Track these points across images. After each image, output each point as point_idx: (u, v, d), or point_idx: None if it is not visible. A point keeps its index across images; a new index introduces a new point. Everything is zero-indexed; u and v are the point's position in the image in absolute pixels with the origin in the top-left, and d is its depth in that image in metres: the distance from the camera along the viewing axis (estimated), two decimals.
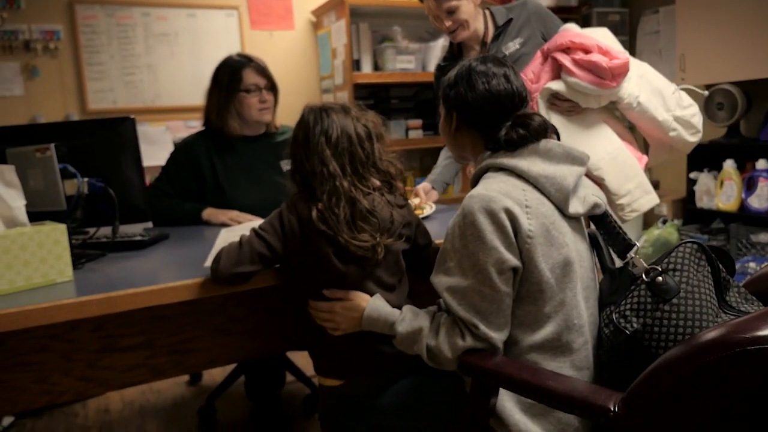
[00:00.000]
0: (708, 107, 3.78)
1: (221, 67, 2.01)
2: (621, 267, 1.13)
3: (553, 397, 0.93)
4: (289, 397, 2.31)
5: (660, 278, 1.03)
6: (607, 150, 1.71)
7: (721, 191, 3.70)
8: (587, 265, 1.14)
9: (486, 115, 1.18)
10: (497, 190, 1.08)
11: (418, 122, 3.69)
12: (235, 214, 1.91)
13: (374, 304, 1.21)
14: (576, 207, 1.12)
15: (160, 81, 3.37)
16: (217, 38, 3.49)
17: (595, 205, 1.15)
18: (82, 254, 1.41)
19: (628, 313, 1.05)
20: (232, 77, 1.96)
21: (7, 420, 2.10)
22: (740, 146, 3.65)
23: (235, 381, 2.25)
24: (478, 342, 1.07)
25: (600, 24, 4.30)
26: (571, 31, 1.78)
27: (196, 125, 3.44)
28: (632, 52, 4.42)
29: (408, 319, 1.17)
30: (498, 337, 1.07)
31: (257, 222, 1.61)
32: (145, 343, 1.37)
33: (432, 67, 3.63)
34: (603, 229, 1.16)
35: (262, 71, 2.02)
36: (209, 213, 1.93)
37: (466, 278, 1.07)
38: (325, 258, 1.21)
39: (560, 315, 1.09)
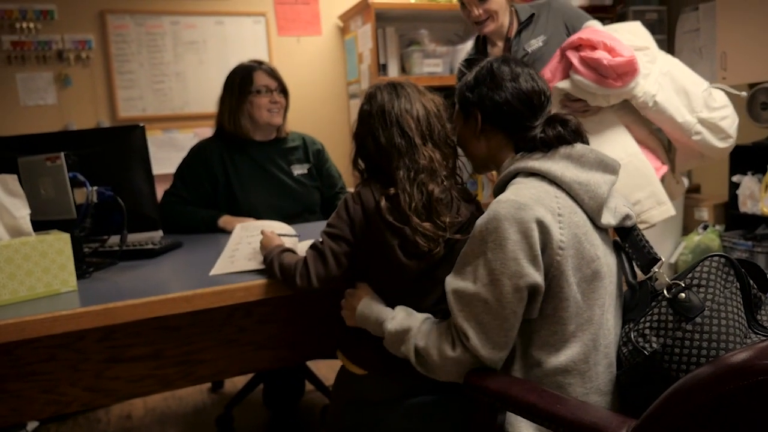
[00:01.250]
0: (751, 107, 3.60)
1: (232, 73, 2.05)
2: (642, 281, 1.05)
3: (560, 423, 0.87)
4: (307, 407, 2.28)
5: (683, 294, 0.95)
6: (619, 156, 1.61)
7: (766, 195, 3.51)
8: (616, 280, 1.07)
9: (515, 115, 1.12)
10: (528, 196, 1.01)
11: None
12: (251, 222, 1.90)
13: (367, 301, 1.17)
14: (608, 218, 1.05)
15: (188, 88, 3.41)
16: (245, 45, 3.50)
17: (626, 217, 1.08)
18: (91, 263, 1.41)
19: (647, 332, 0.97)
20: (243, 80, 1.99)
21: (32, 425, 2.14)
22: None
23: (253, 389, 2.23)
24: (466, 354, 1.00)
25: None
26: (591, 27, 1.70)
27: None
28: (671, 51, 4.26)
29: (399, 318, 1.12)
30: (488, 355, 1.00)
31: (275, 225, 1.60)
32: (153, 353, 1.35)
33: None
34: (629, 242, 1.08)
35: (273, 73, 2.05)
36: (225, 220, 1.93)
37: (476, 285, 1.01)
38: (389, 249, 1.17)
39: (587, 334, 1.01)
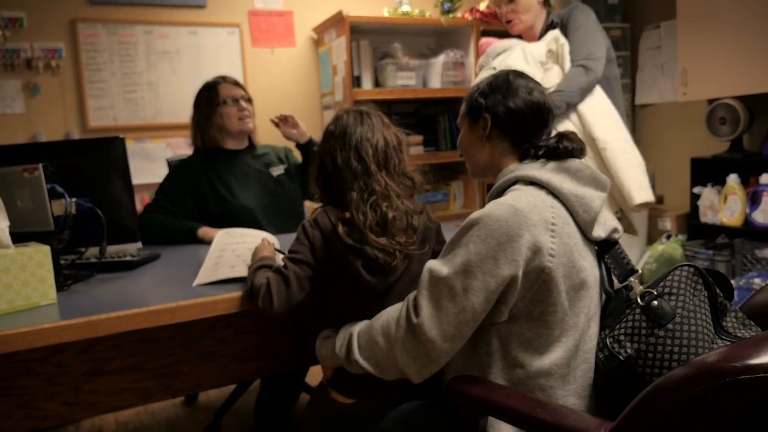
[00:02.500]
0: (710, 122, 3.75)
1: (199, 91, 2.14)
2: (618, 289, 1.10)
3: (541, 426, 0.90)
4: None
5: (655, 302, 1.00)
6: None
7: (725, 206, 3.66)
8: (599, 290, 1.12)
9: (525, 124, 1.16)
10: (526, 203, 1.04)
11: (419, 138, 3.68)
12: (235, 229, 1.92)
13: (320, 341, 1.27)
14: (599, 231, 1.10)
15: (161, 98, 3.39)
16: (219, 56, 3.50)
17: (614, 230, 1.13)
18: (69, 275, 1.39)
19: (622, 338, 1.02)
20: (209, 94, 2.08)
21: None
22: (743, 161, 3.61)
23: (239, 398, 2.22)
24: (409, 331, 1.04)
25: None
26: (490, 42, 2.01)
27: None
28: (634, 67, 4.43)
29: (341, 333, 1.21)
30: (432, 336, 1.01)
31: (254, 233, 1.61)
32: (133, 366, 1.34)
33: (432, 84, 3.63)
34: (610, 254, 1.13)
35: (237, 84, 2.14)
36: (204, 231, 1.95)
37: (449, 270, 1.03)
38: (354, 270, 1.21)
39: (570, 339, 1.05)
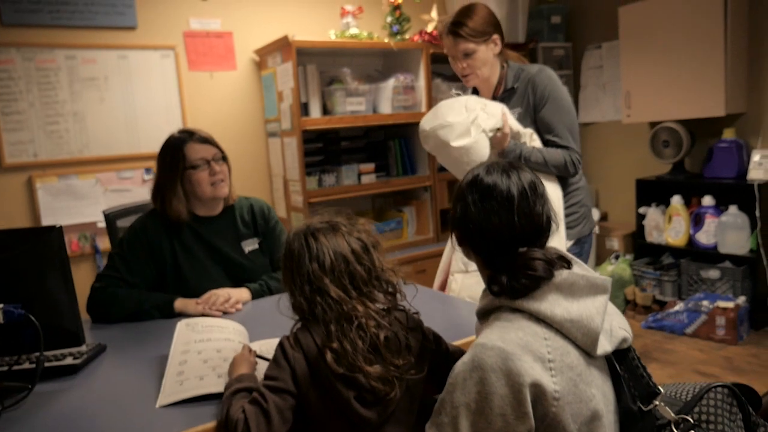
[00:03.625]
0: (654, 144, 3.84)
1: (162, 148, 1.82)
2: (646, 410, 1.00)
3: None
4: None
5: None
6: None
7: (669, 226, 3.75)
8: (613, 408, 1.02)
9: (483, 247, 1.05)
10: (516, 342, 0.93)
11: (371, 166, 3.54)
12: (206, 302, 1.72)
13: None
14: (604, 346, 0.99)
15: (88, 129, 3.07)
16: (152, 81, 3.22)
17: (623, 340, 1.03)
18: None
19: None
20: (174, 156, 1.77)
21: None
22: (686, 182, 3.72)
23: None
24: None
25: (546, 58, 4.32)
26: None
27: (131, 175, 3.18)
28: (576, 86, 4.48)
29: None
30: None
31: (220, 324, 1.42)
32: None
33: (382, 109, 3.50)
34: (625, 367, 1.03)
35: (207, 141, 1.82)
36: (183, 303, 1.71)
37: None
38: (345, 404, 1.05)
39: None
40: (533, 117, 1.98)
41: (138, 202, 2.29)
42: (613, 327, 1.03)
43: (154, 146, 3.19)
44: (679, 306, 3.46)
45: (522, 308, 0.98)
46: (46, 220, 2.97)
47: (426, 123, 1.87)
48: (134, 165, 3.19)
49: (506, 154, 1.90)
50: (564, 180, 2.01)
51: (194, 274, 1.79)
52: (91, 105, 3.08)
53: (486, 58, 1.97)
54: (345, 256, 1.12)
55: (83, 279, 2.78)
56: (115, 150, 3.15)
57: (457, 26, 1.93)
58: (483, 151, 1.82)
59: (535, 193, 1.06)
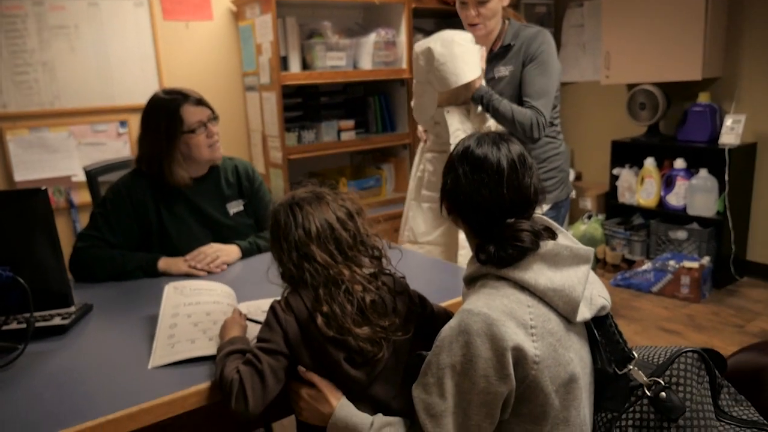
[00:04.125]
0: (630, 106, 3.88)
1: (152, 110, 1.74)
2: (621, 373, 1.06)
3: None
4: None
5: (663, 394, 0.98)
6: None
7: (642, 188, 3.85)
8: (589, 371, 1.08)
9: (472, 218, 1.08)
10: (501, 309, 0.97)
11: (350, 123, 3.52)
12: (194, 259, 1.72)
13: (342, 412, 1.09)
14: (584, 313, 1.03)
15: (58, 80, 2.97)
16: (125, 31, 3.11)
17: (602, 308, 1.07)
18: None
19: (630, 430, 1.00)
20: (170, 121, 1.70)
21: None
22: (660, 145, 3.79)
23: None
24: None
25: (527, 14, 4.28)
26: None
27: (105, 128, 3.10)
28: (558, 44, 4.46)
29: (377, 425, 1.06)
30: None
31: (208, 287, 1.44)
32: None
33: (363, 64, 3.45)
34: (602, 333, 1.08)
35: (201, 102, 1.77)
36: (166, 263, 1.71)
37: (445, 400, 0.99)
38: (335, 365, 1.09)
39: (562, 430, 1.02)
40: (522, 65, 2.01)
41: (120, 158, 2.25)
42: (593, 295, 1.07)
43: (129, 98, 3.14)
44: (647, 265, 3.59)
45: (507, 277, 1.02)
46: (19, 174, 2.90)
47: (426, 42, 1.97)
48: (108, 118, 3.10)
49: (475, 97, 1.97)
50: (545, 146, 2.04)
51: (179, 235, 1.78)
52: (61, 55, 2.96)
53: (496, 9, 1.99)
54: (330, 223, 1.14)
55: (60, 235, 2.74)
56: (87, 102, 3.06)
57: None
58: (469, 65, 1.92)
59: (524, 165, 1.08)
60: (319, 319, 1.07)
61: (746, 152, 3.48)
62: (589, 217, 4.05)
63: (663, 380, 1.01)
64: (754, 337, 2.90)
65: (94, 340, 1.34)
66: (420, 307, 1.25)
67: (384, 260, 1.21)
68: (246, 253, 1.84)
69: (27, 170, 2.93)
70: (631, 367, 1.04)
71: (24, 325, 1.28)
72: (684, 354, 1.02)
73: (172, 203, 1.78)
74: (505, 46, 2.02)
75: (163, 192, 1.77)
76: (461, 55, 1.88)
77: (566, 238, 1.10)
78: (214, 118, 1.79)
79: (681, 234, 3.61)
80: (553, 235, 1.07)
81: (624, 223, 3.93)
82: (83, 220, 3.05)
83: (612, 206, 4.03)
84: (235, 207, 1.89)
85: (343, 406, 1.08)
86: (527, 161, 1.09)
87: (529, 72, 1.97)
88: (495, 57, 2.05)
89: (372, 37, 3.43)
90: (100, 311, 1.50)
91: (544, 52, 1.97)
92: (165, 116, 1.70)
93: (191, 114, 1.72)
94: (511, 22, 2.06)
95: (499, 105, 1.93)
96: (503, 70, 2.03)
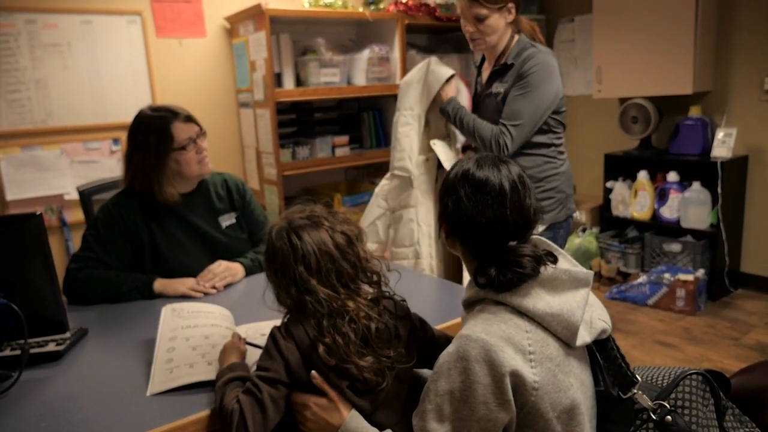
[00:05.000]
0: (623, 120, 3.91)
1: (140, 127, 1.72)
2: (625, 398, 1.05)
3: None
4: None
5: (669, 418, 0.98)
6: None
7: (635, 201, 3.86)
8: (591, 394, 1.07)
9: (473, 240, 1.07)
10: (498, 335, 0.97)
11: (344, 139, 3.52)
12: (192, 282, 1.70)
13: (353, 423, 1.07)
14: (584, 337, 1.02)
15: (51, 98, 2.96)
16: (119, 48, 3.10)
17: (602, 331, 1.07)
18: None
19: None
20: (161, 137, 1.69)
21: None
22: (652, 158, 3.81)
23: None
24: None
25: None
26: None
27: (98, 146, 3.09)
28: None
29: None
30: None
31: (206, 309, 1.42)
32: None
33: (357, 81, 3.46)
34: (604, 356, 1.08)
35: (190, 119, 1.77)
36: (162, 285, 1.69)
37: (442, 426, 0.98)
38: (338, 392, 1.07)
39: None
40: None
41: (113, 178, 2.23)
42: (593, 318, 1.07)
43: (122, 116, 3.13)
44: (642, 278, 3.59)
45: (506, 302, 1.01)
46: (11, 193, 2.88)
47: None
48: (101, 136, 3.09)
49: (444, 109, 2.11)
50: (543, 165, 2.04)
51: (172, 252, 1.76)
52: (54, 72, 2.95)
53: (497, 26, 1.95)
54: (330, 253, 1.11)
55: (53, 254, 2.71)
56: (80, 120, 3.04)
57: None
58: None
59: (524, 186, 1.08)
60: (321, 349, 1.05)
61: (738, 165, 3.51)
62: (584, 231, 4.06)
63: (668, 403, 1.00)
64: (751, 349, 2.90)
65: (90, 366, 1.32)
66: (421, 330, 1.23)
67: (383, 284, 1.20)
68: (249, 272, 1.83)
69: (19, 189, 2.90)
70: (635, 391, 1.03)
71: (18, 352, 1.25)
72: (689, 377, 1.02)
73: (162, 221, 1.77)
74: (506, 65, 2.01)
75: (153, 210, 1.76)
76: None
77: (566, 261, 1.09)
78: (203, 133, 1.79)
79: (675, 246, 3.62)
80: (554, 260, 1.07)
81: (618, 236, 3.94)
82: (76, 239, 3.03)
83: (606, 219, 4.05)
84: (227, 220, 1.88)
85: (354, 417, 1.06)
86: (526, 182, 1.09)
87: (512, 92, 1.97)
88: (495, 73, 2.05)
89: (365, 54, 3.44)
90: (95, 336, 1.48)
91: (533, 75, 1.93)
92: (154, 134, 1.69)
93: (181, 131, 1.71)
94: (520, 38, 2.02)
95: (464, 117, 2.05)
96: (499, 87, 2.03)
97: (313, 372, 1.08)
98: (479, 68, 2.25)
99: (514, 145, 1.97)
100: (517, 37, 2.03)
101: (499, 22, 1.95)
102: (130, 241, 1.74)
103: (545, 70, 1.95)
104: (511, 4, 1.95)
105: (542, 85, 1.95)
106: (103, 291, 1.67)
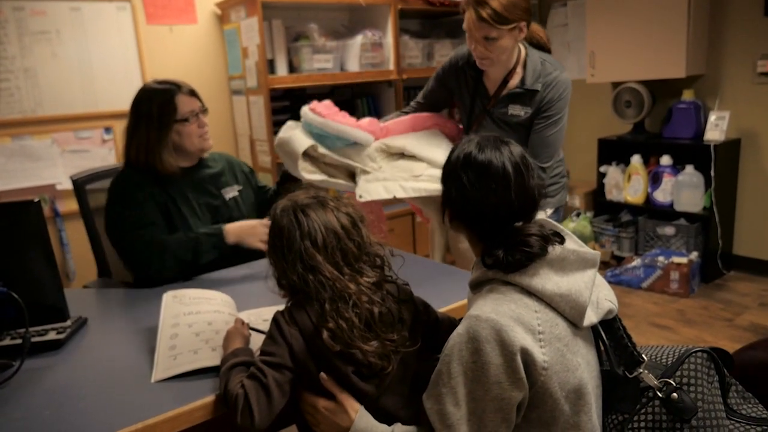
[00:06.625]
0: (616, 104, 3.91)
1: (144, 99, 1.73)
2: (631, 377, 1.06)
3: None
4: None
5: (675, 395, 0.98)
6: None
7: (629, 185, 3.88)
8: (596, 374, 1.07)
9: (478, 224, 1.07)
10: (508, 314, 0.97)
11: None
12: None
13: (361, 423, 1.07)
14: (590, 317, 1.03)
15: (40, 87, 2.91)
16: (108, 35, 3.05)
17: (609, 311, 1.07)
18: None
19: None
20: (164, 108, 1.70)
21: None
22: (646, 142, 3.82)
23: None
24: None
25: None
26: None
27: (89, 135, 3.05)
28: None
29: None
30: None
31: (207, 295, 1.41)
32: None
33: (350, 67, 3.43)
34: (610, 336, 1.08)
35: (194, 93, 1.79)
36: (234, 232, 1.70)
37: (459, 408, 0.98)
38: (344, 378, 1.07)
39: None
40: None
41: (106, 167, 2.20)
42: (600, 299, 1.07)
43: (113, 104, 3.09)
44: (636, 261, 3.62)
45: (515, 282, 1.01)
46: (1, 183, 2.84)
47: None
48: (92, 124, 3.05)
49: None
50: None
51: (183, 224, 1.75)
52: (43, 60, 2.90)
53: (508, 46, 1.79)
54: (336, 231, 1.11)
55: None
56: (70, 108, 3.00)
57: (481, 5, 1.70)
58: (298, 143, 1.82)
59: (527, 167, 1.07)
60: (325, 334, 1.04)
61: (731, 148, 3.52)
62: (578, 215, 4.08)
63: (674, 381, 1.01)
64: (744, 330, 2.94)
65: (91, 355, 1.31)
66: (425, 314, 1.23)
67: (386, 268, 1.19)
68: None
69: (9, 179, 2.87)
70: (641, 370, 1.04)
71: (18, 341, 1.24)
72: (693, 354, 1.03)
73: (171, 193, 1.77)
74: (529, 90, 1.87)
75: (160, 184, 1.75)
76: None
77: (573, 242, 1.09)
78: (205, 110, 1.80)
79: (669, 230, 3.65)
80: (561, 240, 1.06)
81: (612, 220, 3.96)
82: (69, 229, 3.00)
83: (600, 203, 4.06)
84: (230, 192, 1.89)
85: (362, 417, 1.06)
86: (528, 162, 1.08)
87: (541, 123, 1.89)
88: (514, 96, 1.91)
89: (359, 39, 3.42)
90: (95, 324, 1.47)
91: (560, 102, 1.86)
92: (158, 104, 1.71)
93: (185, 103, 1.73)
94: (530, 53, 1.90)
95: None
96: (518, 110, 1.91)
97: (322, 374, 1.07)
98: (474, 74, 1.97)
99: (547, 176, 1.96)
100: (524, 51, 1.90)
101: (509, 42, 1.78)
102: (159, 209, 1.73)
103: (568, 92, 1.89)
104: (522, 23, 1.76)
105: (566, 106, 1.91)
106: (180, 256, 1.66)
